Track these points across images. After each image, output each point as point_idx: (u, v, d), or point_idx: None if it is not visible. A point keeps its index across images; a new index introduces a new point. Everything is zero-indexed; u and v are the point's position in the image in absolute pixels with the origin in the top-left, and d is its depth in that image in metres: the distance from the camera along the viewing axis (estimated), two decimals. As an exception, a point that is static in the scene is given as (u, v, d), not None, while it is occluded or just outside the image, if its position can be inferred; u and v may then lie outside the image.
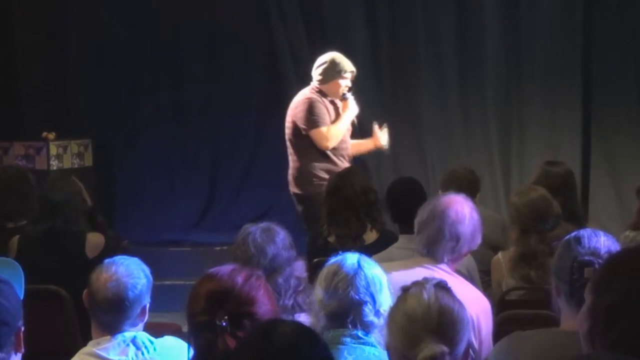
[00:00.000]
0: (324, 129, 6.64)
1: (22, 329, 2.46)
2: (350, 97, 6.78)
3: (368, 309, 3.11)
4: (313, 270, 3.78)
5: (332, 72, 6.72)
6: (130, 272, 3.52)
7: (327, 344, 2.35)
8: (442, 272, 3.71)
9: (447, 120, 8.41)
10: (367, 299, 3.12)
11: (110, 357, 3.41)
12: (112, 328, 3.48)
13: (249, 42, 8.81)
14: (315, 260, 4.76)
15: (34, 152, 8.33)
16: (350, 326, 3.10)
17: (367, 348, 3.06)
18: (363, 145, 7.09)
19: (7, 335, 2.41)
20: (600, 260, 2.90)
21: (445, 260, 3.82)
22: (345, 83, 6.75)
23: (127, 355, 3.41)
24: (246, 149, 8.94)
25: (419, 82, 8.43)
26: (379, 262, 3.36)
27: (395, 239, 4.95)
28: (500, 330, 3.82)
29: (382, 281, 3.17)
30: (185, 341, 2.83)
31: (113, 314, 3.47)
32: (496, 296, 4.80)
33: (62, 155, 8.42)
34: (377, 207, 5.40)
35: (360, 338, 3.08)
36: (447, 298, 2.48)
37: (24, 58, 8.90)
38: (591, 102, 8.19)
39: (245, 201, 8.81)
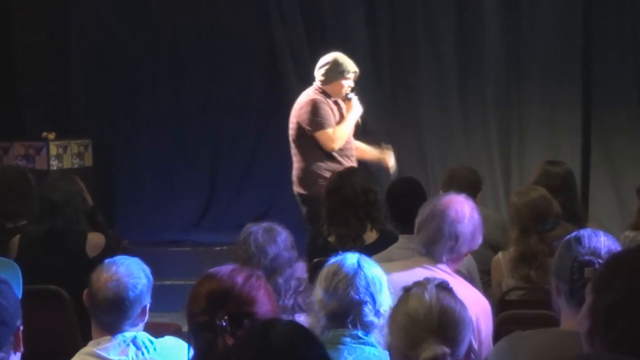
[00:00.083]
0: (329, 130, 6.60)
1: (21, 328, 2.47)
2: (354, 97, 6.73)
3: (368, 309, 3.11)
4: (313, 270, 3.78)
5: (335, 72, 6.68)
6: (131, 272, 3.52)
7: (324, 344, 2.35)
8: (441, 272, 3.71)
9: (447, 120, 8.41)
10: (367, 299, 3.11)
11: (110, 357, 3.41)
12: (113, 328, 3.47)
13: (249, 42, 8.81)
14: (315, 260, 4.75)
15: (34, 152, 8.32)
16: (350, 326, 3.10)
17: (367, 348, 3.06)
18: (367, 153, 7.03)
19: (6, 335, 2.41)
20: (600, 260, 2.90)
21: (444, 259, 3.81)
22: (348, 83, 6.71)
23: (127, 355, 3.41)
24: (246, 149, 8.94)
25: (419, 82, 8.43)
26: (379, 262, 3.36)
27: (395, 239, 4.94)
28: (500, 330, 3.81)
29: (382, 281, 3.17)
30: (185, 341, 2.83)
31: (113, 313, 3.47)
32: (496, 296, 4.80)
33: (62, 155, 8.41)
34: (377, 207, 5.38)
35: (360, 338, 3.08)
36: (449, 299, 2.47)
37: (24, 58, 8.90)
38: (591, 102, 8.19)
39: (245, 201, 8.80)
